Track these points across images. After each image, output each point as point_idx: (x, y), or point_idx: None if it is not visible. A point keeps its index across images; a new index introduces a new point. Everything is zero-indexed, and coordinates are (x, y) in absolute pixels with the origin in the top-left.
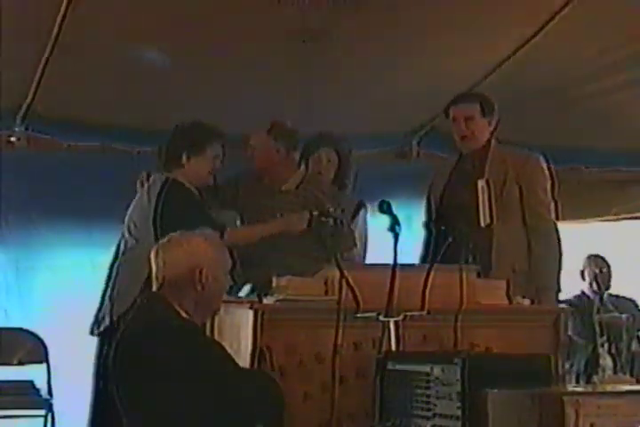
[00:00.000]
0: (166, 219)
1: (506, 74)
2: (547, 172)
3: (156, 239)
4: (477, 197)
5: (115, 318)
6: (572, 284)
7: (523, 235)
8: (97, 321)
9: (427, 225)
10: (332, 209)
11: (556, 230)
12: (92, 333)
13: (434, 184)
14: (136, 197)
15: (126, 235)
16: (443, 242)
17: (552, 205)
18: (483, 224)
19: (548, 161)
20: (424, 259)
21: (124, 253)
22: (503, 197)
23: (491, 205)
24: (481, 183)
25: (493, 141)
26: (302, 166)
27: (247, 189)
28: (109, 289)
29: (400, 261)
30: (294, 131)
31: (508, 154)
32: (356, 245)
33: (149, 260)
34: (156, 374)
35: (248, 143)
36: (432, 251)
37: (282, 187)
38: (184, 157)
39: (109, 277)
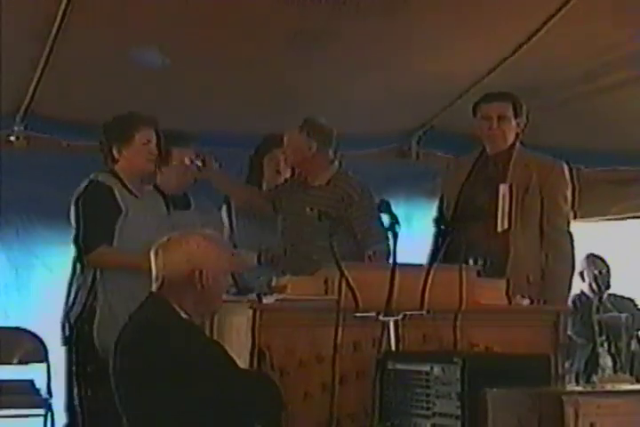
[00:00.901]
0: (81, 223)
1: (505, 73)
2: (569, 180)
3: (85, 246)
4: (497, 201)
5: (71, 323)
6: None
7: (538, 245)
8: (62, 332)
9: (437, 222)
10: (330, 210)
11: (572, 244)
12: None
13: (449, 181)
14: None
15: (73, 241)
16: (455, 242)
17: (571, 214)
18: (500, 229)
19: (571, 169)
20: (434, 255)
21: (74, 261)
22: (524, 203)
23: (510, 211)
24: (503, 188)
25: (518, 145)
26: (336, 162)
27: (286, 185)
28: (65, 299)
29: (400, 260)
30: (327, 127)
31: (533, 160)
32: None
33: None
34: (155, 374)
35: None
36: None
37: (314, 182)
38: (115, 151)
39: (69, 288)
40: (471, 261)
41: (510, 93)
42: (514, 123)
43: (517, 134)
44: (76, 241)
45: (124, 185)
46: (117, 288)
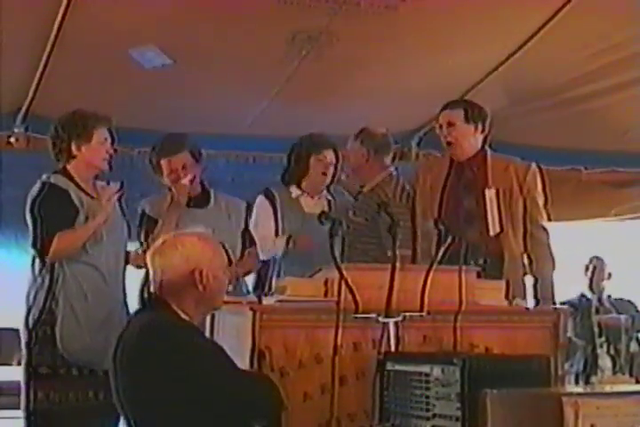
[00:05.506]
0: (38, 226)
1: (505, 75)
2: (541, 179)
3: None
4: (485, 206)
5: (30, 327)
6: (572, 284)
7: (523, 247)
8: (23, 335)
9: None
10: (351, 214)
11: (549, 239)
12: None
13: (426, 185)
14: None
15: (31, 245)
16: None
17: (544, 213)
18: (492, 233)
19: (540, 169)
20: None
21: (32, 264)
22: (510, 207)
23: (500, 215)
24: (489, 193)
25: (488, 150)
26: (390, 169)
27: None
28: (26, 303)
29: None
30: (381, 135)
31: (510, 163)
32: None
33: (49, 267)
34: (155, 376)
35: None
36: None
37: (364, 188)
38: (74, 148)
39: (28, 292)
40: (472, 263)
41: (465, 100)
42: (467, 128)
43: (485, 138)
44: (34, 244)
45: (78, 185)
46: (81, 294)
